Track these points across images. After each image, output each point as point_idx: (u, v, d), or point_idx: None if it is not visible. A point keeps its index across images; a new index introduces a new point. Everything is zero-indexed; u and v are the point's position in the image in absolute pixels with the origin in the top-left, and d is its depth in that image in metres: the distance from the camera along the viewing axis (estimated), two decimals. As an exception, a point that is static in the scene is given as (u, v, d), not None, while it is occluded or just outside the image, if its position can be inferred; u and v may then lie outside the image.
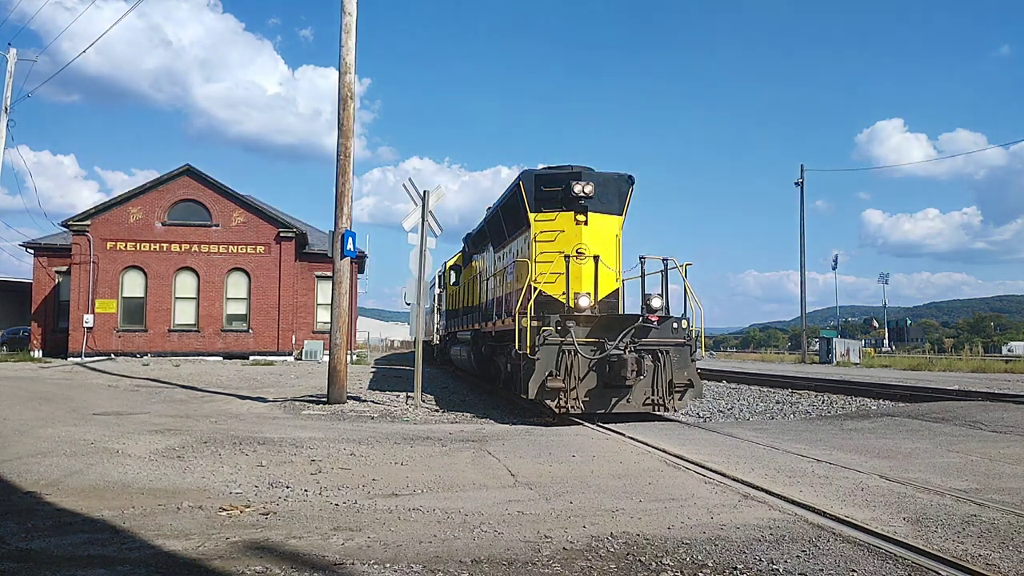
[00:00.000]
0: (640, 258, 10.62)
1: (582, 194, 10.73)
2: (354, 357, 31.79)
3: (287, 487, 5.35)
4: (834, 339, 38.24)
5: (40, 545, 3.84)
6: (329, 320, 13.97)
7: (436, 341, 25.24)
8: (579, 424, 9.42)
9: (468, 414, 11.46)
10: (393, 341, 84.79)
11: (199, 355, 28.42)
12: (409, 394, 12.96)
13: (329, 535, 4.09)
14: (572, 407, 9.43)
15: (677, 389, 9.83)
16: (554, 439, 8.03)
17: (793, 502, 4.94)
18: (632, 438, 8.01)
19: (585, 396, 9.49)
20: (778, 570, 3.55)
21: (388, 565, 3.56)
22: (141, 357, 27.23)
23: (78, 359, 26.61)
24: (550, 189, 10.99)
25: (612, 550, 3.87)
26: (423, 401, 12.65)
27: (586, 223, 10.83)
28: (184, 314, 29.24)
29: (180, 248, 29.10)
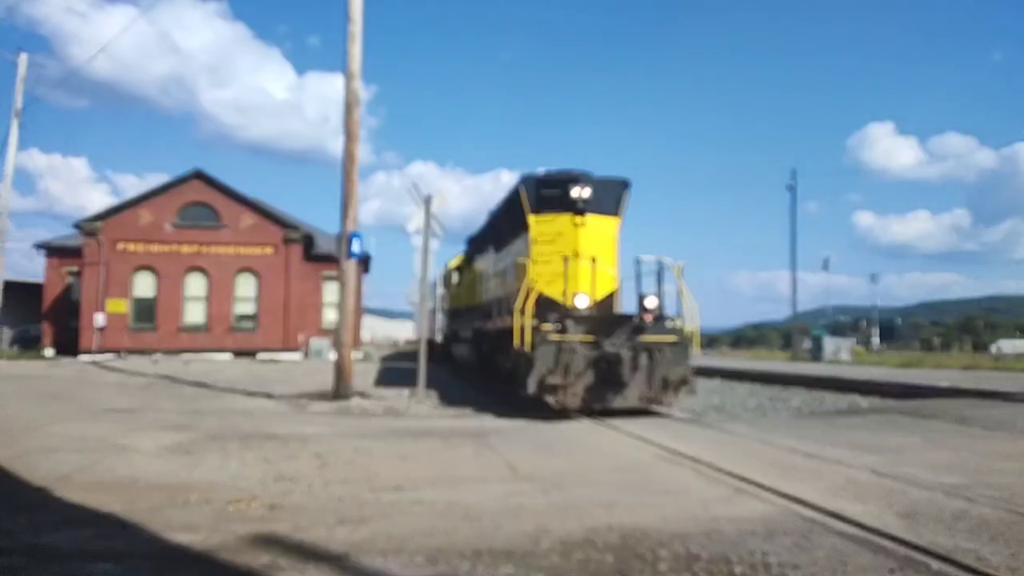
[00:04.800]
0: (636, 259, 10.82)
1: (580, 198, 10.85)
2: (360, 355, 31.91)
3: (293, 481, 5.40)
4: (825, 337, 37.93)
5: (49, 540, 3.88)
6: (335, 319, 14.09)
7: (439, 339, 25.44)
8: (577, 420, 9.52)
9: (470, 410, 11.54)
10: (398, 339, 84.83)
11: (208, 353, 28.63)
12: (413, 390, 13.08)
13: (334, 527, 4.14)
14: (570, 403, 9.55)
15: (672, 385, 9.94)
16: (553, 434, 8.12)
17: (785, 496, 4.99)
18: (629, 433, 8.09)
19: (583, 392, 9.61)
20: (771, 562, 3.58)
21: (391, 556, 3.62)
22: (151, 355, 27.40)
23: (89, 357, 26.80)
24: (549, 193, 11.14)
25: (609, 542, 3.91)
26: (426, 397, 12.76)
27: (584, 226, 10.95)
28: (194, 313, 29.43)
29: (190, 249, 29.29)
